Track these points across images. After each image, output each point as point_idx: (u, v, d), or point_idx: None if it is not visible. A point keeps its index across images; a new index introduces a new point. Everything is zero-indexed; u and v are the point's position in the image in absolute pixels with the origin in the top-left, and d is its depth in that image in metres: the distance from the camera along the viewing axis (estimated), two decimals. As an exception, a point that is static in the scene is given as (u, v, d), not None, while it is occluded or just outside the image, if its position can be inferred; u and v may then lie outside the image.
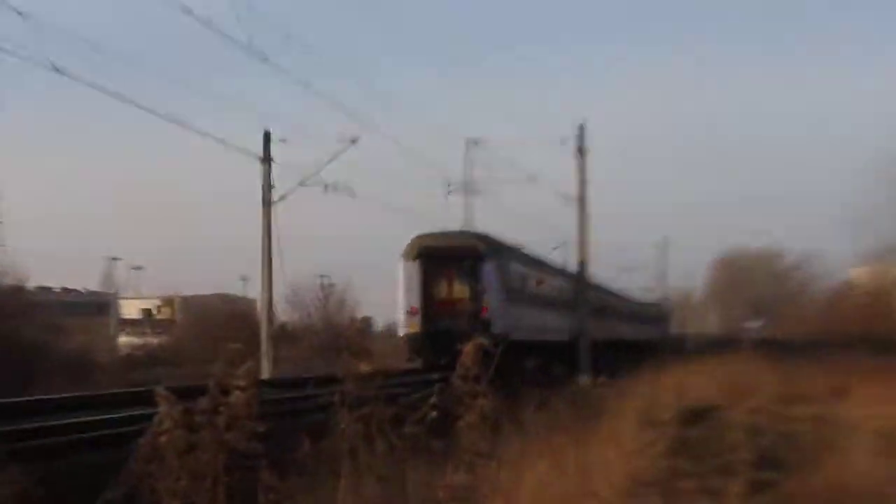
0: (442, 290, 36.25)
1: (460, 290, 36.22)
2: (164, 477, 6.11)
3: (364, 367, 6.50)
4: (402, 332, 36.53)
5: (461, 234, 39.28)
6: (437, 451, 6.64)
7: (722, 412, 24.43)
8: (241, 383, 6.35)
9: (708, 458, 14.21)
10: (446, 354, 24.74)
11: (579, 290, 48.08)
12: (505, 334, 32.15)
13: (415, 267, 36.48)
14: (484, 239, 37.98)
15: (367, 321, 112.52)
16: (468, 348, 6.45)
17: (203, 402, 6.15)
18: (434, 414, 6.45)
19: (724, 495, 11.15)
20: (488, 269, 36.28)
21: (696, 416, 22.33)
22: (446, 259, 36.41)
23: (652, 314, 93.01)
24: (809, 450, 17.34)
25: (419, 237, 37.41)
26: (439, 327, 34.71)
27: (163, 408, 6.13)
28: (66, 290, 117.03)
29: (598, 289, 59.12)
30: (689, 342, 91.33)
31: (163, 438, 6.10)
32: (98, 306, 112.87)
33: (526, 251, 44.81)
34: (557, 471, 12.73)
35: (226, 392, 6.30)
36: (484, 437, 6.63)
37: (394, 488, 7.36)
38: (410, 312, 36.12)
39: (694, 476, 5.65)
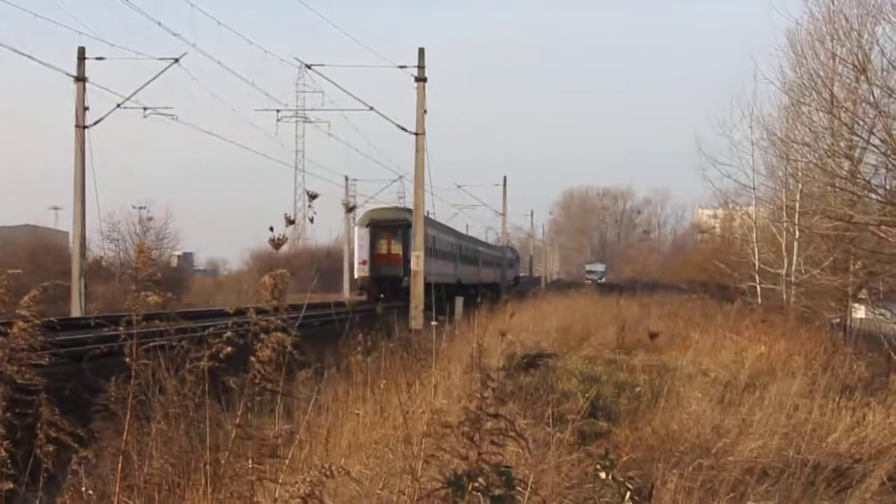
0: (383, 247, 56.54)
1: (395, 247, 56.39)
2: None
3: (153, 301, 6.42)
4: (356, 276, 56.80)
5: (396, 209, 61.46)
6: (233, 391, 6.64)
7: (556, 359, 24.87)
8: (24, 314, 6.27)
9: (538, 406, 14.47)
10: (385, 291, 49.13)
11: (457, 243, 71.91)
12: (428, 280, 47.16)
13: (365, 232, 56.85)
14: (411, 212, 50.79)
15: (185, 257, 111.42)
16: (265, 279, 6.46)
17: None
18: (228, 349, 6.43)
19: (547, 443, 11.39)
20: (411, 233, 50.00)
21: (528, 362, 22.67)
22: (387, 227, 56.81)
23: (506, 259, 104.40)
24: (643, 399, 17.81)
25: (369, 212, 59.49)
26: (381, 273, 55.12)
27: None
28: None
29: (463, 237, 79.47)
30: (532, 285, 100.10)
31: None
32: None
33: (434, 220, 65.55)
34: (379, 416, 12.88)
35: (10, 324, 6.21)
36: (290, 375, 6.67)
37: (194, 430, 7.38)
38: (362, 263, 56.21)
39: (506, 422, 5.78)
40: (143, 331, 6.55)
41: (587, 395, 16.02)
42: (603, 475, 7.97)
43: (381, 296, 52.01)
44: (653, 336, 29.05)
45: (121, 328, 6.42)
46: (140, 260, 6.76)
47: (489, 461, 5.77)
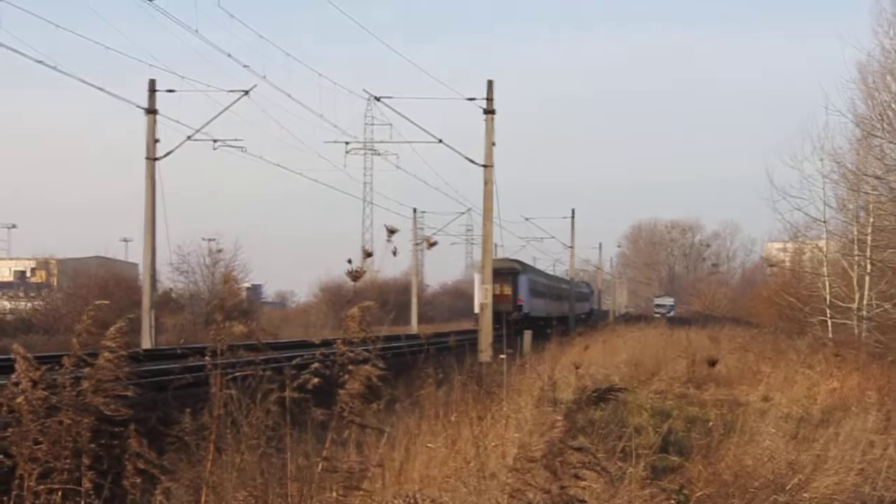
0: (497, 289, 61.70)
1: (507, 289, 70.68)
2: (22, 441, 6.06)
3: (239, 330, 6.48)
4: (476, 311, 61.50)
5: (506, 259, 75.29)
6: (319, 422, 6.68)
7: (627, 393, 24.76)
8: (110, 344, 6.35)
9: (609, 440, 14.41)
10: (498, 322, 49.40)
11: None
12: (528, 312, 69.97)
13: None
14: (519, 262, 76.13)
15: (254, 289, 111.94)
16: (354, 311, 6.51)
17: (66, 362, 6.10)
18: (315, 380, 6.47)
19: (621, 477, 11.34)
20: (522, 279, 73.19)
21: (600, 396, 22.55)
22: (499, 273, 64.08)
23: (584, 294, 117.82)
24: (715, 433, 17.68)
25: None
26: (496, 308, 58.38)
27: (20, 366, 6.07)
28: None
29: (552, 278, 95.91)
30: (604, 318, 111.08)
31: (19, 399, 6.03)
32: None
33: (536, 267, 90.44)
34: (451, 448, 12.87)
35: (94, 355, 6.28)
36: (368, 407, 6.69)
37: (271, 460, 7.40)
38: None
39: (590, 455, 5.76)
40: (230, 361, 6.61)
41: (659, 429, 15.94)
42: (678, 510, 7.94)
43: (496, 325, 57.33)
44: (712, 364, 28.90)
45: (207, 358, 6.48)
46: (226, 289, 6.83)
47: (568, 494, 5.77)
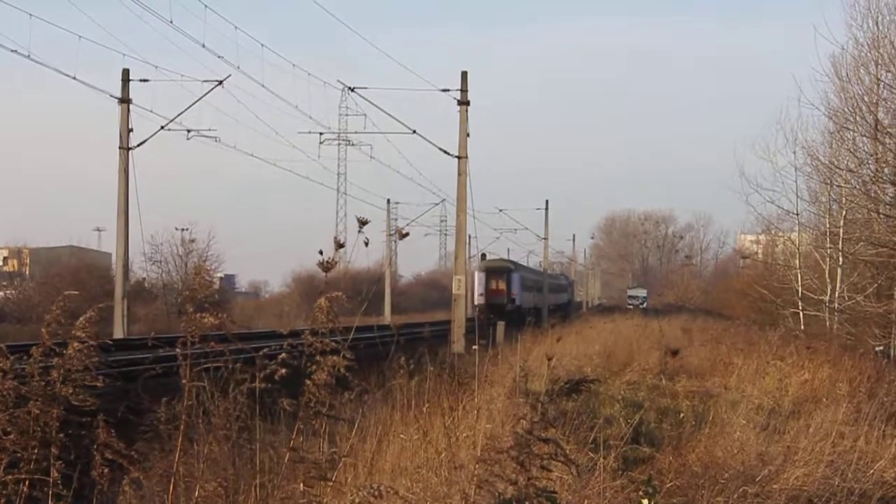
0: (493, 285, 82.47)
1: (501, 285, 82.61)
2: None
3: (209, 322, 6.48)
4: (475, 303, 77.34)
5: (502, 260, 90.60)
6: (289, 413, 6.67)
7: (599, 384, 24.81)
8: (79, 335, 6.33)
9: (581, 431, 14.45)
10: (494, 313, 67.91)
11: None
12: (520, 305, 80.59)
13: (482, 275, 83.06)
14: (512, 262, 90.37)
15: (227, 279, 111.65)
16: (321, 302, 6.52)
17: (35, 353, 6.08)
18: (283, 371, 6.47)
19: (591, 468, 11.38)
20: (514, 276, 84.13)
21: (572, 387, 22.62)
22: (495, 272, 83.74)
23: (562, 285, 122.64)
24: (686, 425, 17.74)
25: (483, 262, 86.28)
26: (492, 301, 79.44)
27: None
28: None
29: (537, 273, 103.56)
30: (577, 309, 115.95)
31: None
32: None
33: (524, 265, 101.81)
34: (423, 439, 12.89)
35: (64, 345, 6.26)
36: (338, 398, 6.70)
37: (239, 451, 7.40)
38: (480, 295, 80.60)
39: (557, 447, 5.78)
40: (199, 351, 6.60)
41: (630, 420, 15.99)
42: (646, 502, 7.96)
43: (491, 315, 69.45)
44: (674, 353, 29.07)
45: (178, 349, 6.48)
46: (198, 281, 6.82)
47: (536, 486, 5.79)
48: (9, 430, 6.14)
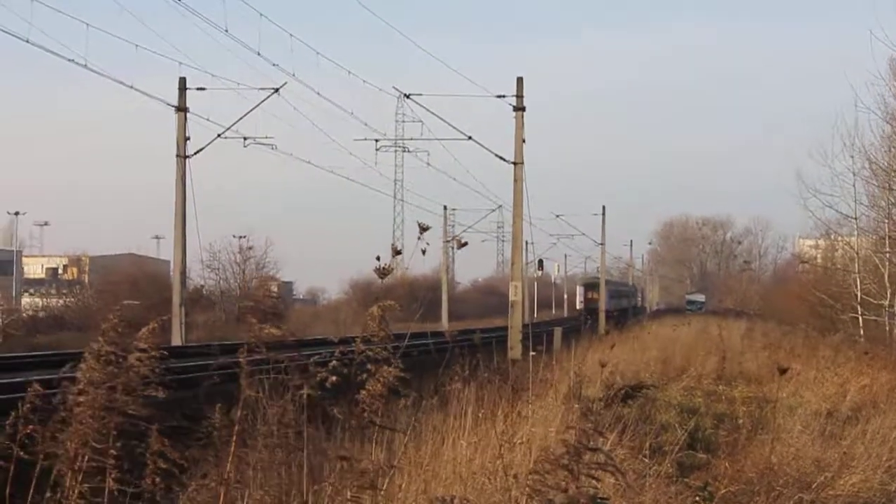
0: (590, 294, 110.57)
1: (595, 295, 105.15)
2: (68, 441, 6.14)
3: (272, 334, 6.59)
4: (577, 307, 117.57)
5: (595, 277, 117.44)
6: (339, 421, 6.76)
7: (655, 390, 24.80)
8: (142, 346, 6.45)
9: (636, 438, 14.46)
10: (590, 315, 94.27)
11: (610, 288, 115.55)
12: (611, 308, 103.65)
13: (583, 287, 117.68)
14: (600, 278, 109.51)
15: (285, 286, 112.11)
16: (372, 309, 6.61)
17: (91, 361, 6.17)
18: (334, 379, 6.56)
19: (647, 475, 11.41)
20: (604, 289, 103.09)
21: (627, 393, 22.62)
22: (591, 285, 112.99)
23: (630, 292, 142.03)
24: (742, 431, 17.70)
25: (582, 277, 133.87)
26: (589, 307, 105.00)
27: (89, 363, 6.15)
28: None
29: (617, 283, 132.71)
30: (642, 313, 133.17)
31: (81, 399, 6.11)
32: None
33: (609, 279, 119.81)
34: (478, 446, 12.95)
35: (124, 356, 6.36)
36: (395, 405, 6.80)
37: (292, 459, 7.48)
38: (581, 301, 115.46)
39: (611, 455, 5.82)
40: (254, 358, 6.70)
41: (686, 426, 15.99)
42: (702, 508, 7.98)
43: (589, 317, 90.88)
44: (783, 371, 28.95)
45: (240, 357, 6.59)
46: (262, 293, 6.96)
47: (587, 493, 5.84)
48: (72, 440, 6.25)
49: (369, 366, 6.57)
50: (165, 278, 75.60)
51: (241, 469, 7.02)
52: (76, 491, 6.13)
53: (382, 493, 6.96)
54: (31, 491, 6.26)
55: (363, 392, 6.50)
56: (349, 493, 6.48)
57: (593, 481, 5.66)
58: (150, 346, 6.41)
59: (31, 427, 6.12)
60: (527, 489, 5.60)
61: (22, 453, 6.11)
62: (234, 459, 6.80)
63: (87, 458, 6.17)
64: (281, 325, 6.95)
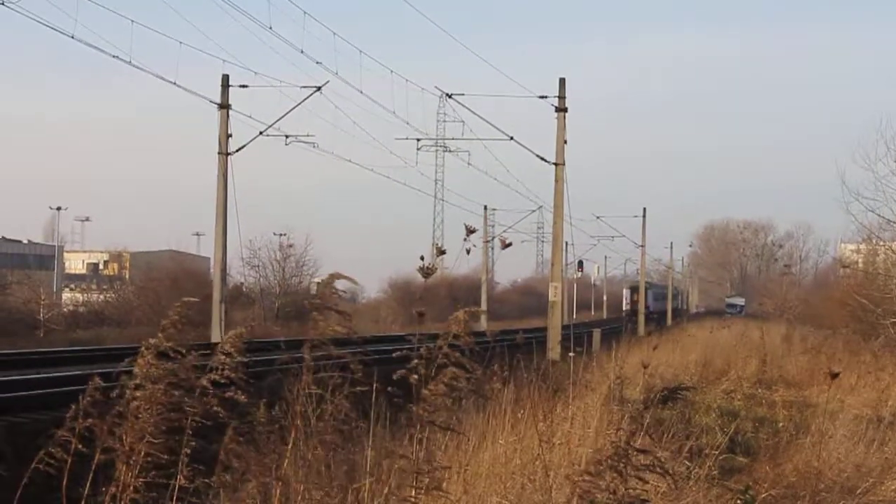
0: (635, 297, 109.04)
1: (641, 297, 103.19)
2: (117, 437, 6.22)
3: (338, 328, 6.70)
4: (624, 308, 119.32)
5: (637, 281, 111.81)
6: (399, 420, 6.85)
7: (695, 392, 24.77)
8: (228, 349, 6.56)
9: (677, 440, 14.48)
10: (633, 316, 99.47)
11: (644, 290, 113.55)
12: (654, 310, 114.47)
13: (629, 290, 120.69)
14: (647, 282, 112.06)
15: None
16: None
17: (147, 356, 6.27)
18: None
19: (687, 477, 11.43)
20: (649, 292, 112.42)
21: (668, 395, 22.62)
22: (635, 288, 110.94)
23: (674, 294, 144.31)
24: (783, 434, 17.67)
25: (628, 282, 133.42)
26: (633, 308, 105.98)
27: (146, 359, 6.25)
28: (6, 240, 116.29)
29: (657, 286, 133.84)
30: (683, 315, 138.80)
31: (138, 394, 6.20)
32: (41, 259, 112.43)
33: (654, 282, 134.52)
34: (517, 446, 13.00)
35: (183, 355, 6.45)
36: (444, 408, 6.86)
37: (343, 456, 7.55)
38: (627, 304, 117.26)
39: (659, 457, 5.87)
40: (320, 354, 6.79)
41: (726, 429, 15.98)
42: (743, 511, 8.00)
43: (634, 317, 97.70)
44: (834, 376, 28.81)
45: (304, 354, 6.68)
46: (327, 290, 7.04)
47: (631, 494, 5.89)
48: (144, 436, 6.34)
49: (445, 363, 6.70)
50: (206, 275, 75.90)
51: (296, 466, 7.11)
52: (132, 486, 6.21)
53: (445, 495, 7.03)
54: (88, 484, 6.34)
55: (425, 391, 6.60)
56: (414, 493, 6.57)
57: (642, 483, 5.71)
58: (235, 349, 6.52)
59: (90, 420, 6.20)
60: (577, 490, 5.64)
61: (80, 446, 6.19)
62: (292, 456, 6.89)
63: (142, 452, 6.26)
64: (346, 324, 7.06)
